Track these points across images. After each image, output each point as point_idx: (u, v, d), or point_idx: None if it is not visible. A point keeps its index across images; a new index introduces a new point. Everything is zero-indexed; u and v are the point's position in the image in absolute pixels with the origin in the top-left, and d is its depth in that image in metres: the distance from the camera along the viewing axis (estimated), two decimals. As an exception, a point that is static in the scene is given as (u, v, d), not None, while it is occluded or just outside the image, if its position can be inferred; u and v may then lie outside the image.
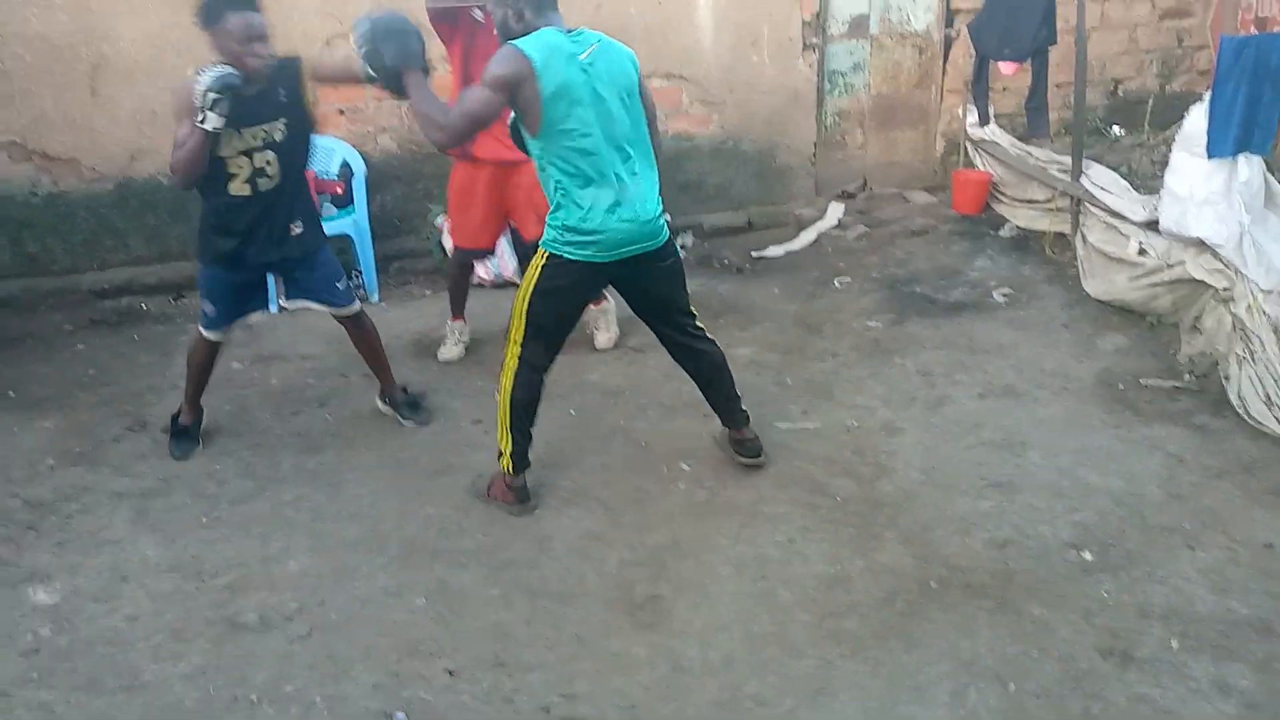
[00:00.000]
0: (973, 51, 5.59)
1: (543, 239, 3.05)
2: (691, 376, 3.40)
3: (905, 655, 2.60)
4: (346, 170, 5.16)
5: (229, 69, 3.12)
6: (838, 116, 6.23)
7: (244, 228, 3.40)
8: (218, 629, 2.77)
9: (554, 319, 3.11)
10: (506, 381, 3.14)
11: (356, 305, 3.70)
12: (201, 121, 3.10)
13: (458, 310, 4.43)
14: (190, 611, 2.84)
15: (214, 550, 3.11)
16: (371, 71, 2.99)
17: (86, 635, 2.75)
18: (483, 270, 5.14)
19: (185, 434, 3.68)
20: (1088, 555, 2.95)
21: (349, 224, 5.00)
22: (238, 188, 3.33)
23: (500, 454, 3.21)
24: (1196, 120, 4.02)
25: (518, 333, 3.09)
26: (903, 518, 3.16)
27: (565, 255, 2.98)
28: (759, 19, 5.72)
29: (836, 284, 5.11)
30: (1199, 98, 4.18)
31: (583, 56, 2.90)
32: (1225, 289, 3.90)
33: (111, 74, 5.02)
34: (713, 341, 3.35)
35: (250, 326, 4.77)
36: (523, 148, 3.08)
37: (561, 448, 3.63)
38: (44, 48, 4.91)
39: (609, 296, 4.38)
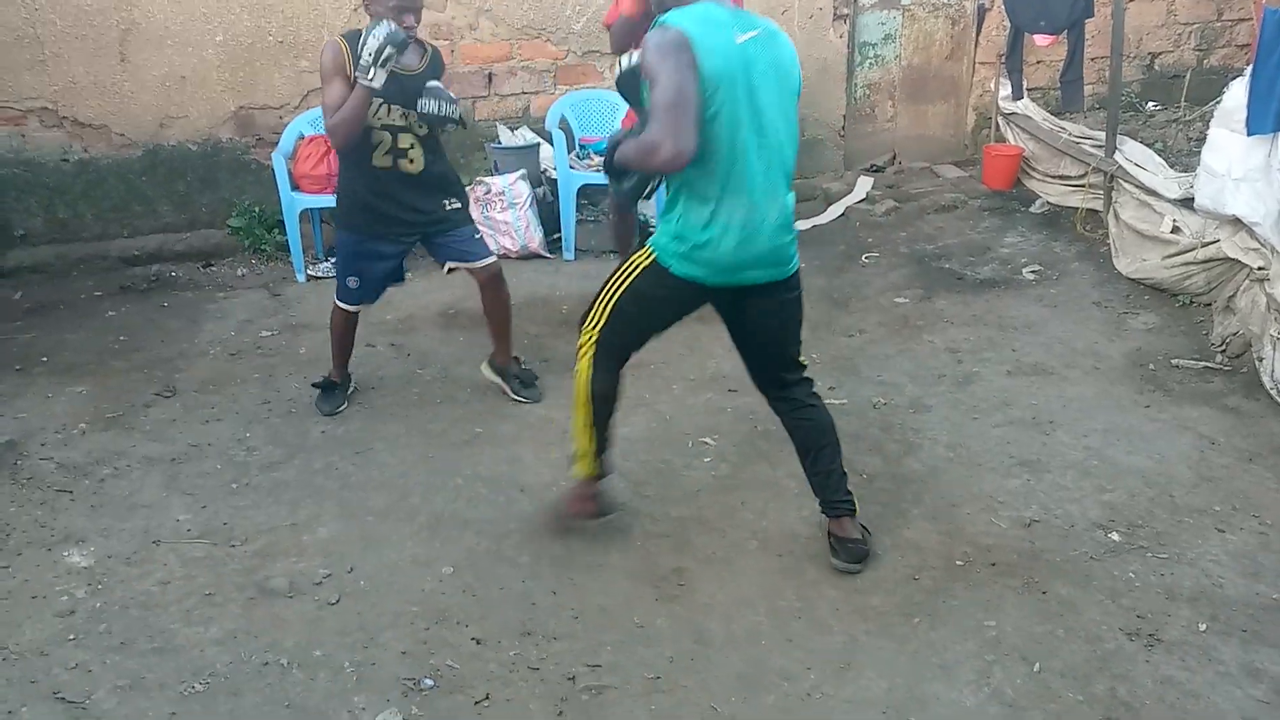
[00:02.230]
0: (1007, 23, 5.50)
1: (653, 238, 2.68)
2: (792, 439, 2.89)
3: (931, 632, 2.60)
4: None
5: (397, 27, 3.14)
6: (867, 89, 6.16)
7: (391, 198, 3.40)
8: (248, 594, 2.81)
9: (638, 323, 2.76)
10: (584, 369, 2.79)
11: (494, 257, 3.67)
12: (370, 79, 3.13)
13: None
14: (221, 576, 2.88)
15: (244, 516, 3.14)
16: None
17: (120, 598, 2.80)
18: (508, 241, 5.13)
19: (334, 389, 3.73)
20: (1115, 536, 2.94)
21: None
22: (380, 159, 3.34)
23: (576, 456, 2.89)
24: (1236, 95, 3.94)
25: (597, 321, 2.75)
26: (929, 495, 3.15)
27: (670, 267, 2.60)
28: (790, -12, 5.64)
29: (864, 259, 5.07)
30: (1238, 72, 4.10)
31: (742, 39, 2.50)
32: (1261, 268, 3.84)
33: (141, 40, 5.03)
34: (818, 399, 2.86)
35: (279, 295, 4.81)
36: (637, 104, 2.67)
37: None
38: (75, 13, 4.92)
39: None
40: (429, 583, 2.83)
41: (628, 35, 3.97)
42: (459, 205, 3.56)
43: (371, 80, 3.15)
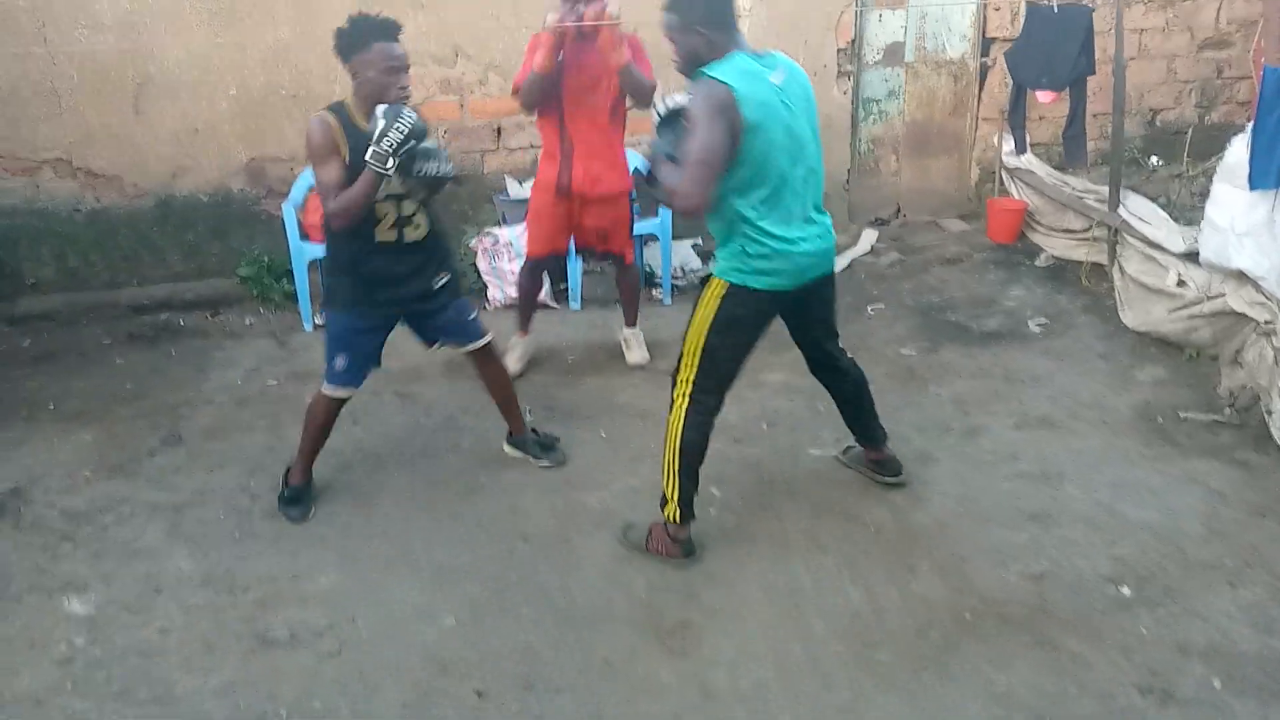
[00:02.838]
0: (1009, 80, 5.58)
1: (717, 269, 2.90)
2: (834, 395, 3.38)
3: (940, 689, 2.56)
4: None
5: (414, 114, 2.94)
6: (872, 143, 6.23)
7: (392, 275, 3.21)
8: (248, 643, 2.78)
9: (732, 353, 2.95)
10: (676, 423, 2.97)
11: (489, 335, 3.50)
12: (388, 168, 2.92)
13: (524, 324, 4.47)
14: (221, 625, 2.85)
15: (246, 564, 3.12)
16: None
17: (120, 646, 2.77)
18: (515, 292, 5.15)
19: (301, 495, 3.41)
20: (1126, 590, 2.90)
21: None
22: (384, 233, 3.16)
23: (665, 501, 3.03)
24: (1238, 151, 3.98)
25: (690, 370, 2.94)
26: (937, 548, 3.12)
27: (750, 285, 2.85)
28: (794, 46, 5.73)
29: (869, 311, 5.09)
30: (1239, 129, 4.14)
31: (775, 80, 2.77)
32: (1267, 322, 3.84)
33: (156, 93, 5.12)
34: (854, 360, 3.35)
35: (286, 344, 4.83)
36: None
37: (591, 470, 3.62)
38: (92, 67, 5.01)
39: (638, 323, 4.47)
40: (430, 634, 2.80)
41: (539, 92, 3.92)
42: (449, 278, 3.37)
43: (389, 170, 2.94)
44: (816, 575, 3.01)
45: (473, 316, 3.48)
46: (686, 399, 2.96)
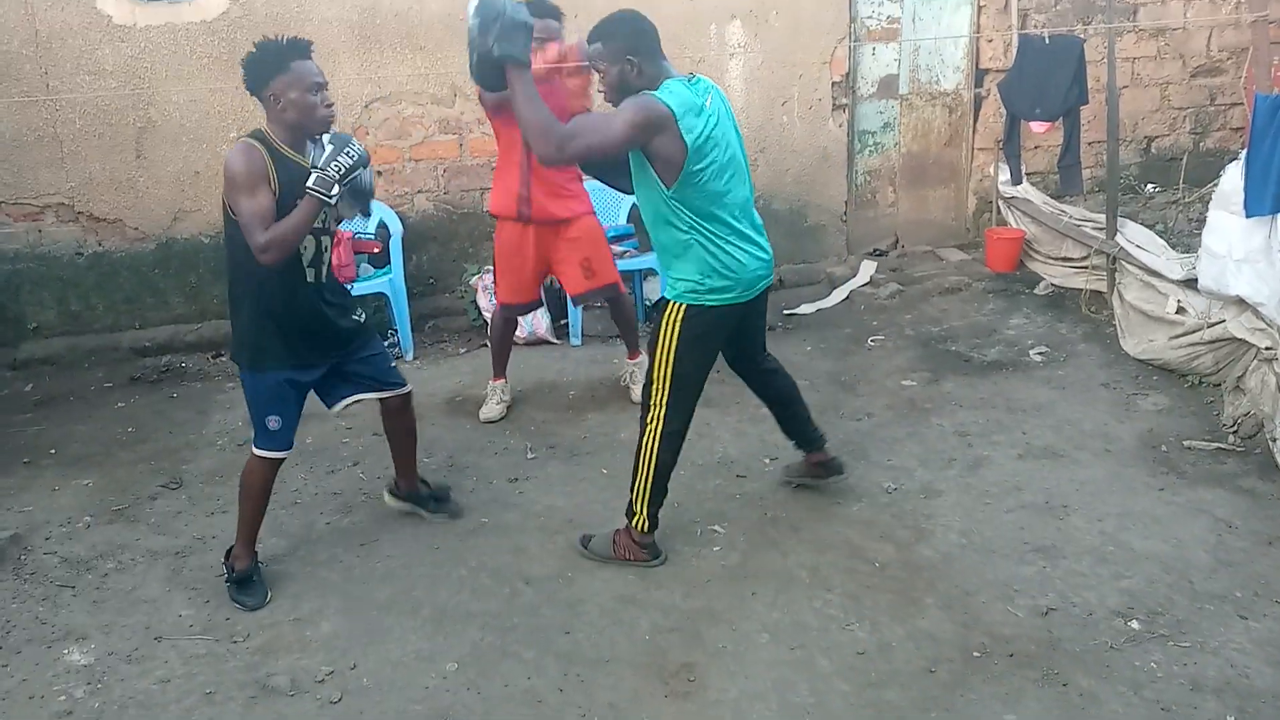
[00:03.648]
0: (1003, 110, 5.61)
1: (671, 293, 3.03)
2: (770, 404, 3.46)
3: (948, 728, 2.52)
4: (384, 230, 5.24)
5: (359, 144, 2.88)
6: (868, 175, 6.26)
7: (323, 317, 3.04)
8: (249, 692, 2.75)
9: (699, 370, 3.09)
10: (651, 445, 3.10)
11: (408, 385, 3.36)
12: (331, 194, 2.79)
13: (499, 370, 4.43)
14: (222, 674, 2.82)
15: (247, 611, 3.09)
16: (476, 54, 2.70)
17: (119, 697, 2.74)
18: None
19: (251, 575, 3.16)
20: (1135, 624, 2.87)
21: (385, 284, 5.06)
22: (309, 273, 3.00)
23: (633, 513, 3.19)
24: (1233, 178, 3.99)
25: (662, 394, 3.06)
26: (943, 583, 3.10)
27: (706, 303, 2.98)
28: (789, 80, 5.79)
29: (870, 342, 5.08)
30: (1233, 155, 4.16)
31: (707, 104, 2.88)
32: (1268, 348, 3.83)
33: (157, 137, 5.16)
34: (779, 364, 3.44)
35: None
36: (619, 188, 3.19)
37: (593, 508, 3.60)
38: (94, 113, 5.06)
39: (644, 351, 4.42)
40: (432, 680, 2.77)
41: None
42: (363, 317, 3.23)
43: (333, 197, 2.80)
44: (821, 613, 2.98)
45: (392, 363, 3.33)
46: (661, 421, 3.08)
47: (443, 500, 3.60)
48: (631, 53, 2.85)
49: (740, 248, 2.98)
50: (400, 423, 3.41)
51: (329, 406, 3.26)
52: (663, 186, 2.87)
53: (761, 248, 3.06)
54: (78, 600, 3.18)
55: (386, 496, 3.60)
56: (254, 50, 2.85)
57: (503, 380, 4.43)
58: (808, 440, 3.49)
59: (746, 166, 3.07)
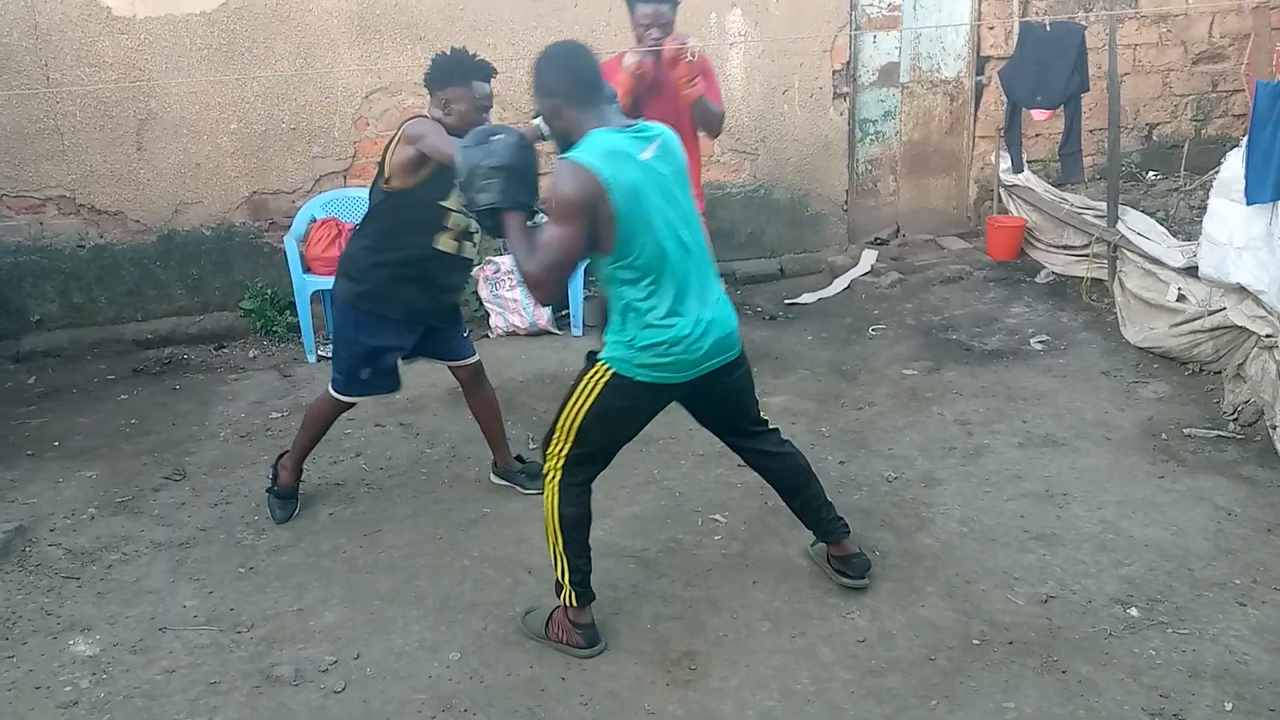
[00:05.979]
0: (1005, 98, 5.60)
1: (605, 354, 2.64)
2: (773, 486, 3.03)
3: (949, 715, 2.54)
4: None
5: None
6: (869, 164, 6.25)
7: (437, 285, 3.31)
8: (253, 682, 2.77)
9: (607, 441, 2.75)
10: (551, 500, 2.74)
11: (477, 355, 3.59)
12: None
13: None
14: (226, 664, 2.84)
15: (251, 601, 3.12)
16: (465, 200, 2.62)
17: (124, 687, 2.76)
18: (517, 319, 5.18)
19: (291, 495, 3.56)
20: (1134, 611, 2.88)
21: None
22: (445, 243, 3.22)
23: (559, 586, 2.80)
24: (1234, 166, 3.99)
25: (563, 445, 2.71)
26: (943, 571, 3.11)
27: (635, 378, 2.60)
28: (790, 69, 5.78)
29: (871, 331, 5.09)
30: (1235, 142, 4.16)
31: (644, 156, 2.53)
32: (1269, 335, 3.83)
33: (158, 129, 5.16)
34: (789, 443, 2.99)
35: (290, 376, 4.84)
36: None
37: (594, 498, 3.60)
38: (95, 105, 5.06)
39: None
40: (436, 668, 2.79)
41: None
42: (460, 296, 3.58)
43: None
44: (822, 601, 2.99)
45: (467, 334, 3.59)
46: (559, 473, 2.73)
47: (534, 476, 3.64)
48: (559, 94, 2.58)
49: (685, 319, 2.56)
50: (477, 396, 3.62)
51: (412, 359, 3.53)
52: (601, 254, 2.55)
53: (716, 321, 2.63)
54: (82, 592, 3.20)
55: (491, 475, 3.76)
56: (448, 54, 3.14)
57: None
58: (824, 531, 3.01)
59: (697, 220, 2.67)
